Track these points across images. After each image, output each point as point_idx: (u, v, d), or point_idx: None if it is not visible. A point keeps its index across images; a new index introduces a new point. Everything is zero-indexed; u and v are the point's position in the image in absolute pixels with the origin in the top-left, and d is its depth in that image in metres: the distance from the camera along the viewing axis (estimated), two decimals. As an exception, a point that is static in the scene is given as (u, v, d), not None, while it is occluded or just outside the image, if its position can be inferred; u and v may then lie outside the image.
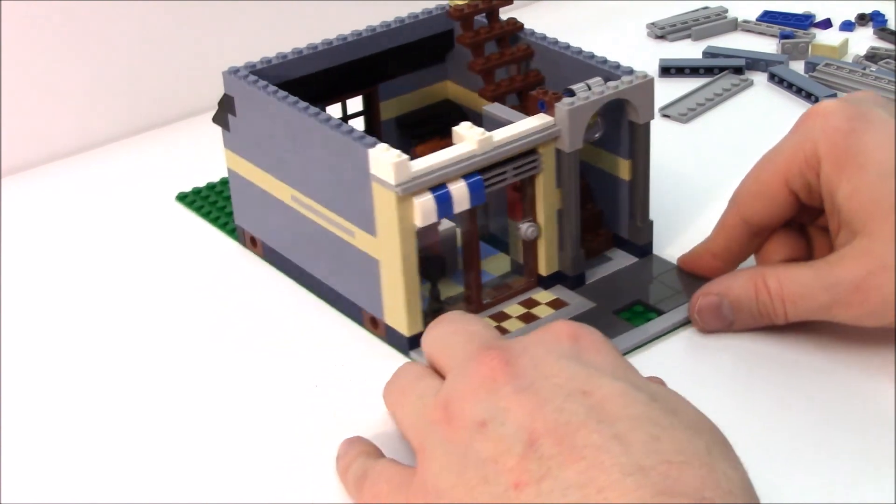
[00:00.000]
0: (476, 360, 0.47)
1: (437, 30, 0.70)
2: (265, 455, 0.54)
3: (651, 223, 0.65)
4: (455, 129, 0.58)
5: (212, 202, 0.73)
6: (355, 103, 0.70)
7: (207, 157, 0.76)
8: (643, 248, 0.65)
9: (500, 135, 0.58)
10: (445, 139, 0.70)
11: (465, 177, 0.57)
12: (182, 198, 0.74)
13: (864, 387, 0.56)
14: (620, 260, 0.65)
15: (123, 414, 0.57)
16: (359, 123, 0.70)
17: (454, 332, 0.52)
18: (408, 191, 0.56)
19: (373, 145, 0.56)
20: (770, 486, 0.45)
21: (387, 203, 0.56)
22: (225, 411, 0.57)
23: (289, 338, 0.62)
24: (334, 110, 0.68)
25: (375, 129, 0.70)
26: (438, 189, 0.57)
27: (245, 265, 0.68)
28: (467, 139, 0.58)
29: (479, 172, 0.58)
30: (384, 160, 0.55)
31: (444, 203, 0.57)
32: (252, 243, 0.68)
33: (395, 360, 0.59)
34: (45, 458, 0.55)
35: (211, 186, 0.75)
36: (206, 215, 0.72)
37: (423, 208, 0.56)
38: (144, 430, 0.56)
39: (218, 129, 0.66)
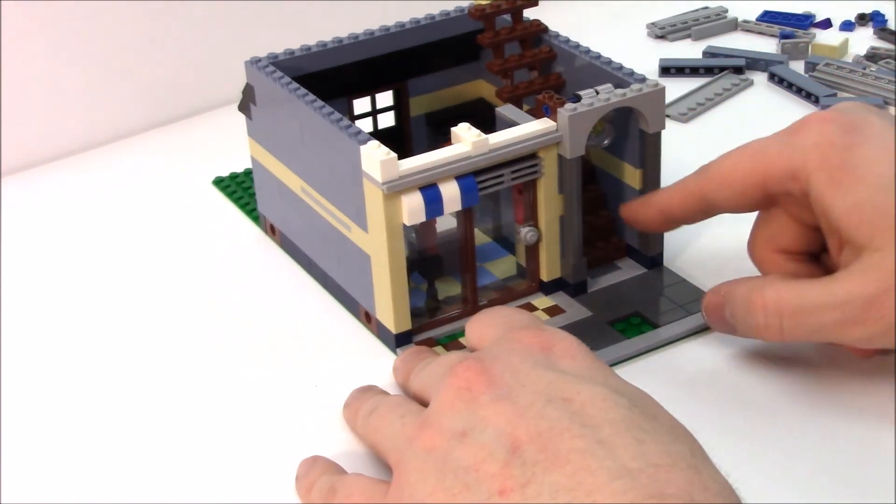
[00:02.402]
0: (451, 373, 0.47)
1: (470, 28, 0.69)
2: (255, 451, 0.55)
3: (661, 234, 0.64)
4: (454, 129, 0.58)
5: (245, 187, 0.74)
6: (385, 98, 0.70)
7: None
8: (653, 259, 0.64)
9: (497, 138, 0.58)
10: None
11: (459, 178, 0.57)
12: (218, 182, 0.75)
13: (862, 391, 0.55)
14: (629, 270, 0.64)
15: (124, 409, 0.58)
16: (388, 118, 0.70)
17: (433, 359, 0.54)
18: (393, 189, 0.56)
19: (365, 142, 0.57)
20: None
21: (376, 200, 0.56)
22: (220, 405, 0.58)
23: (290, 330, 0.63)
24: (363, 104, 0.69)
25: (404, 125, 0.70)
26: (428, 188, 0.57)
27: (263, 253, 0.69)
28: (463, 140, 0.58)
29: (476, 174, 0.58)
30: (373, 158, 0.56)
31: (433, 202, 0.57)
32: (272, 231, 0.69)
33: (383, 357, 0.60)
34: (47, 453, 0.56)
35: (248, 172, 0.76)
36: (237, 200, 0.73)
37: (411, 207, 0.56)
38: (141, 424, 0.57)
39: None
